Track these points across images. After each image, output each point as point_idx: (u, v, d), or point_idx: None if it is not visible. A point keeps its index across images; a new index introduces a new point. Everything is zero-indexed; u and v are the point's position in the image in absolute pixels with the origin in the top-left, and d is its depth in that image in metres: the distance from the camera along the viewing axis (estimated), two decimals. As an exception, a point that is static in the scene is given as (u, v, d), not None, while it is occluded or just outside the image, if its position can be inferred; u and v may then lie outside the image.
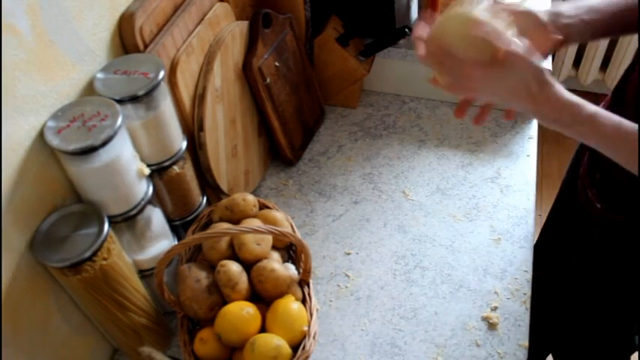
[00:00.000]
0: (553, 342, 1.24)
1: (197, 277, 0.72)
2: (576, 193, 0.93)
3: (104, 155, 0.61)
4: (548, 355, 1.36)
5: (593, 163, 0.85)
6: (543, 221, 1.36)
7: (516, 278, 0.87)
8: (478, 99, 0.72)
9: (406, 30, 1.04)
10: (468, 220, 0.95)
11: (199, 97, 0.82)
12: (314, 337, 0.70)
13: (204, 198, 0.85)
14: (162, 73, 0.67)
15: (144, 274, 0.75)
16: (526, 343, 0.80)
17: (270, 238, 0.77)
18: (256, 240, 0.75)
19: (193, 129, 0.83)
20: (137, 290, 0.71)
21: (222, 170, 0.89)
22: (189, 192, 0.80)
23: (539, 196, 1.87)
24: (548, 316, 1.22)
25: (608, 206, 0.82)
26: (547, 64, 1.13)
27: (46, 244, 0.61)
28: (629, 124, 0.60)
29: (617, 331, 1.09)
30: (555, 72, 2.22)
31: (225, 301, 0.71)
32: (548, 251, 1.19)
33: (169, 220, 0.79)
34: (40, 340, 0.66)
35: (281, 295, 0.72)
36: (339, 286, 0.87)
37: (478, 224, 0.94)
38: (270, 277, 0.72)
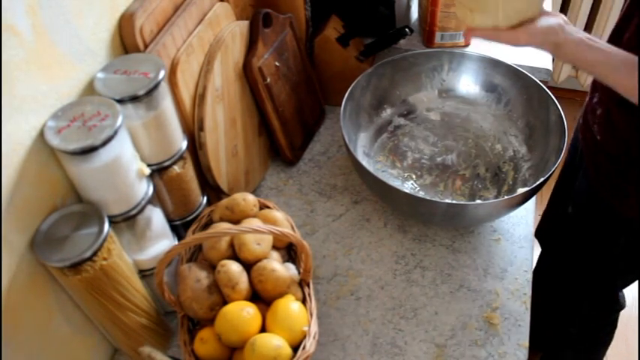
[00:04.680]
0: (541, 308, 1.28)
1: (197, 277, 0.72)
2: (577, 146, 1.07)
3: (104, 155, 0.61)
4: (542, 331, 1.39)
5: (595, 102, 0.95)
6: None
7: (516, 278, 0.87)
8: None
9: (406, 30, 1.04)
10: (468, 220, 0.95)
11: (199, 97, 0.82)
12: (314, 337, 0.70)
13: (205, 198, 0.85)
14: (162, 73, 0.67)
15: (144, 274, 0.75)
16: (526, 343, 0.80)
17: (270, 238, 0.77)
18: (256, 240, 0.75)
19: (193, 129, 0.83)
20: (137, 290, 0.71)
21: (222, 170, 0.89)
22: (189, 192, 0.80)
23: (539, 196, 1.87)
24: (539, 285, 1.28)
25: (607, 139, 0.91)
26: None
27: (46, 244, 0.61)
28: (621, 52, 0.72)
29: (601, 289, 1.14)
30: (556, 72, 2.23)
31: (225, 301, 0.71)
32: (548, 216, 1.26)
33: (169, 220, 0.79)
34: (40, 340, 0.66)
35: (281, 295, 0.72)
36: (339, 285, 0.87)
37: (478, 224, 0.94)
38: (270, 277, 0.72)
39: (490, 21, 0.77)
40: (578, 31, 0.75)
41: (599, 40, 0.75)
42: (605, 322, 1.25)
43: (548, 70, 1.12)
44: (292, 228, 0.80)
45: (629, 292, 1.20)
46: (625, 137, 0.87)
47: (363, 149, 1.01)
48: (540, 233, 1.36)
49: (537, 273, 1.32)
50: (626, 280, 1.13)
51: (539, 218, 1.94)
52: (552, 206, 1.31)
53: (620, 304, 1.20)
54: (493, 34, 0.79)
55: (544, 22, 0.76)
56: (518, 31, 0.77)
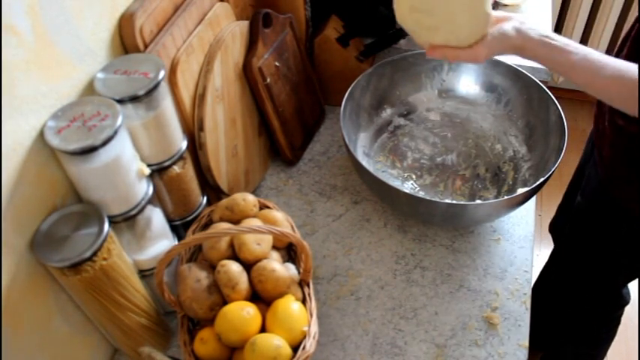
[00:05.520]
0: (544, 307, 1.28)
1: (197, 277, 0.72)
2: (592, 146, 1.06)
3: (104, 155, 0.61)
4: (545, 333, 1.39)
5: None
6: (544, 221, 1.39)
7: (516, 278, 0.87)
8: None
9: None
10: (468, 220, 0.95)
11: (199, 97, 0.82)
12: (314, 337, 0.70)
13: (205, 198, 0.85)
14: (162, 73, 0.67)
15: (144, 274, 0.75)
16: (526, 343, 0.80)
17: (270, 238, 0.77)
18: (256, 240, 0.75)
19: (193, 129, 0.83)
20: (137, 290, 0.71)
21: (222, 170, 0.89)
22: (189, 192, 0.80)
23: (540, 196, 1.88)
24: (543, 283, 1.27)
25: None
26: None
27: (46, 244, 0.61)
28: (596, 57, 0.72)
29: (604, 283, 1.14)
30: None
31: (225, 301, 0.71)
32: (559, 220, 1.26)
33: (169, 220, 0.79)
34: (40, 340, 0.66)
35: (281, 295, 0.72)
36: (339, 285, 0.87)
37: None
38: (270, 277, 0.72)
39: (447, 38, 0.77)
40: (536, 30, 0.74)
41: (559, 37, 0.74)
42: (607, 318, 1.25)
43: (548, 70, 1.12)
44: (292, 228, 0.80)
45: (633, 287, 1.20)
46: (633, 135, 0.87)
47: (363, 149, 1.01)
48: (553, 227, 1.37)
49: (546, 272, 1.32)
50: (629, 275, 1.13)
51: (539, 218, 1.95)
52: (566, 197, 1.32)
53: (624, 300, 1.20)
54: (452, 53, 0.78)
55: (496, 31, 0.75)
56: (475, 48, 0.76)
